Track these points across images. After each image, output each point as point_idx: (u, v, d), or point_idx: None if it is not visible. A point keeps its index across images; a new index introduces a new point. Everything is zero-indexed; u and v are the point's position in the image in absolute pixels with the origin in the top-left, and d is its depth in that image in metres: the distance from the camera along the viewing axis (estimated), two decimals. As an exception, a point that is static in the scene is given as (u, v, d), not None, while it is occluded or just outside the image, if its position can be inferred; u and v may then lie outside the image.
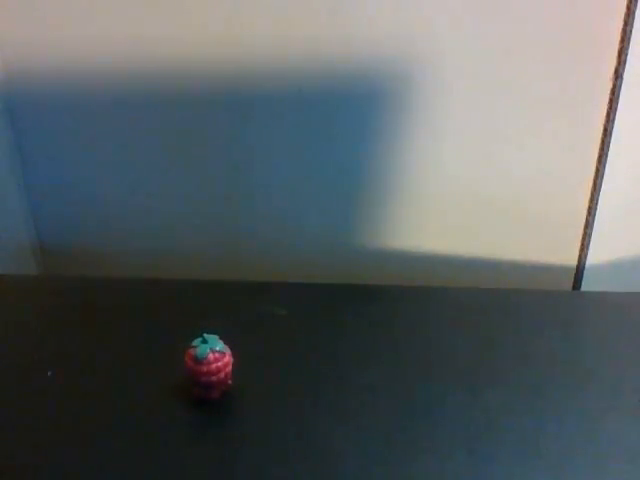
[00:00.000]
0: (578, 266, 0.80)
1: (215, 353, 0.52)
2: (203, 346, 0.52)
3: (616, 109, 0.72)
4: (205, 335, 0.53)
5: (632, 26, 0.68)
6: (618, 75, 0.70)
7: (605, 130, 0.73)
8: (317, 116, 0.75)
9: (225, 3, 0.70)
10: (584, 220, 0.78)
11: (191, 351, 0.52)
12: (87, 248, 0.84)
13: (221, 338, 0.54)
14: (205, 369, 0.51)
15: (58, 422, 0.52)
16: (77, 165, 0.80)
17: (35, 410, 0.54)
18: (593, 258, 0.78)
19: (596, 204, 0.77)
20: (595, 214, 0.77)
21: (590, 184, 0.76)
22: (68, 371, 0.57)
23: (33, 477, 0.48)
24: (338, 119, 0.75)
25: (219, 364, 0.52)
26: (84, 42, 0.73)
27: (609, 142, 0.73)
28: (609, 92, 0.71)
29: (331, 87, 0.73)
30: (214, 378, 0.52)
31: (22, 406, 0.54)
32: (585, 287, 0.80)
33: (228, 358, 0.53)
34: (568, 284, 0.81)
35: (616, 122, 0.72)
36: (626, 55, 0.69)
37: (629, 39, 0.68)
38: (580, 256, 0.79)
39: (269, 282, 0.71)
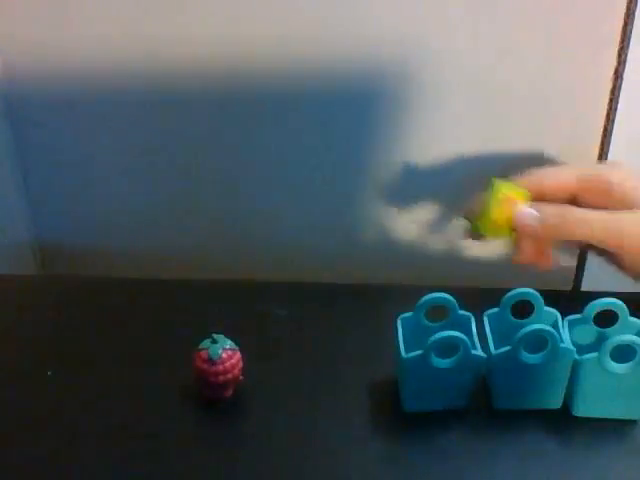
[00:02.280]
0: (578, 266, 0.80)
1: (227, 351, 0.52)
2: (214, 346, 0.52)
3: (616, 109, 0.72)
4: (214, 335, 0.53)
5: (632, 26, 0.68)
6: (618, 75, 0.70)
7: (605, 130, 0.73)
8: (317, 115, 0.75)
9: (225, 2, 0.70)
10: (584, 220, 0.78)
11: (202, 353, 0.52)
12: (87, 248, 0.84)
13: (221, 338, 0.54)
14: (221, 368, 0.51)
15: (58, 422, 0.52)
16: (77, 165, 0.80)
17: (35, 410, 0.53)
18: (593, 258, 0.78)
19: (596, 204, 0.77)
20: (595, 214, 0.77)
21: (590, 184, 0.76)
22: (68, 371, 0.57)
23: (34, 477, 0.48)
24: (338, 118, 0.75)
25: (232, 361, 0.52)
26: (84, 42, 0.73)
27: (609, 142, 0.73)
28: (609, 92, 0.71)
29: (331, 87, 0.73)
30: (230, 376, 0.52)
31: (22, 406, 0.54)
32: (585, 287, 0.80)
33: (239, 354, 0.53)
34: (568, 284, 0.81)
35: (616, 122, 0.72)
36: (626, 55, 0.69)
37: (629, 39, 0.68)
38: (580, 256, 0.79)
39: (269, 282, 0.71)
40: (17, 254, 0.82)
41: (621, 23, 0.68)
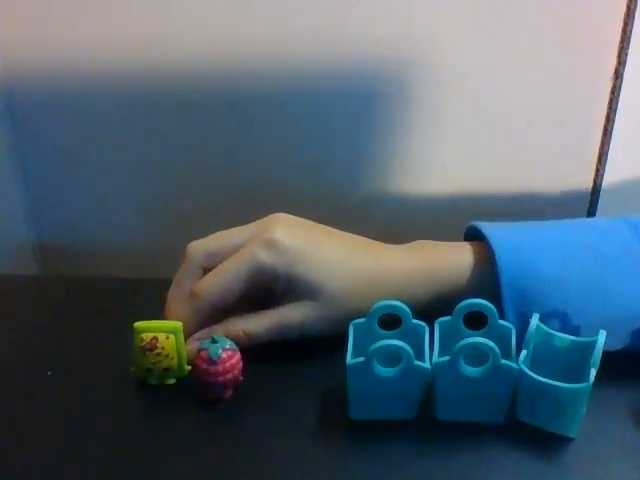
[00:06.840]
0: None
1: (227, 351, 0.52)
2: (214, 346, 0.52)
3: (616, 109, 0.72)
4: (214, 335, 0.53)
5: (632, 26, 0.68)
6: (618, 75, 0.70)
7: (605, 130, 0.73)
8: (317, 115, 0.75)
9: (225, 2, 0.70)
10: (584, 220, 0.78)
11: (203, 353, 0.52)
12: (87, 248, 0.84)
13: (221, 338, 0.54)
14: (221, 368, 0.51)
15: (58, 422, 0.52)
16: (77, 165, 0.80)
17: (35, 410, 0.53)
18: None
19: (596, 205, 0.77)
20: (595, 215, 0.77)
21: (590, 185, 0.76)
22: (68, 371, 0.57)
23: (34, 477, 0.48)
24: (338, 118, 0.75)
25: (232, 361, 0.52)
26: (84, 42, 0.73)
27: (609, 142, 0.73)
28: (609, 92, 0.72)
29: (331, 87, 0.73)
30: (230, 376, 0.52)
31: (22, 406, 0.54)
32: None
33: (239, 354, 0.53)
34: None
35: (616, 122, 0.72)
36: (626, 55, 0.69)
37: (629, 39, 0.69)
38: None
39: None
40: (17, 254, 0.82)
41: (621, 23, 0.68)
